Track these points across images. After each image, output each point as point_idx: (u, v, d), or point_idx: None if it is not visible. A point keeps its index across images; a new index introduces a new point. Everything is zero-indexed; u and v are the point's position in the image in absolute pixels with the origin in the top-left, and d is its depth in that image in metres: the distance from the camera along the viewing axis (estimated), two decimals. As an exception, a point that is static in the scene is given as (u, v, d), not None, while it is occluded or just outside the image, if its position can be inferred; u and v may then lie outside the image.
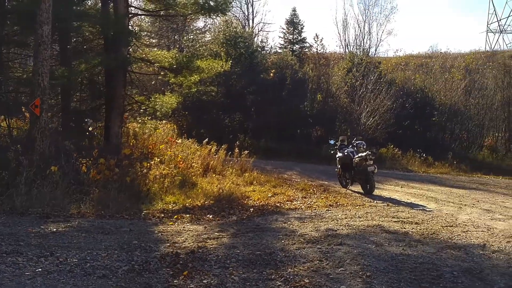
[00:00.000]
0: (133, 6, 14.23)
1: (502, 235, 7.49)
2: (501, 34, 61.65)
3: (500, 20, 61.92)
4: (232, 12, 37.85)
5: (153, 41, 29.02)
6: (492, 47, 57.39)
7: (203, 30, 31.38)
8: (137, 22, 23.62)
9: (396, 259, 5.82)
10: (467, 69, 32.73)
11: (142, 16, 19.66)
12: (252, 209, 8.92)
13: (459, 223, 8.38)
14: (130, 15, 12.83)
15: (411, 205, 10.29)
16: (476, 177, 19.07)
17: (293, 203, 9.76)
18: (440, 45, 70.47)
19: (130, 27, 13.27)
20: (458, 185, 15.43)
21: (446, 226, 8.09)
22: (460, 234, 7.46)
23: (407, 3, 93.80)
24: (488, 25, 63.45)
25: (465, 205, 10.73)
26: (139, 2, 17.11)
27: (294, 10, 34.13)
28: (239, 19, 38.13)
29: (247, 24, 39.71)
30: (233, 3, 34.12)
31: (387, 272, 5.31)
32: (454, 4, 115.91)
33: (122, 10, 11.80)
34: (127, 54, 12.08)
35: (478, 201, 11.37)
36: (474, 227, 8.09)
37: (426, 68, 33.20)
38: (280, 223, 7.75)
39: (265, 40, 33.76)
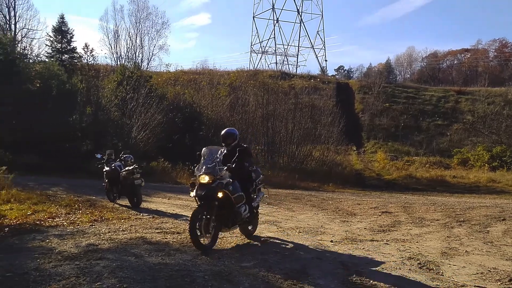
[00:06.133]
0: None
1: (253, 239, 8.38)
2: (263, 54, 67.75)
3: (261, 42, 68.04)
4: (-10, 15, 34.49)
5: None
6: (255, 66, 62.49)
7: (-48, 32, 27.87)
8: None
9: (154, 269, 6.07)
10: (232, 86, 35.03)
11: None
12: (7, 228, 8.34)
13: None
14: None
15: (176, 216, 10.77)
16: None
17: (54, 220, 9.40)
18: (209, 62, 74.35)
19: None
20: (221, 194, 16.48)
21: (205, 233, 8.76)
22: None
23: (179, 19, 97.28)
24: (252, 46, 69.19)
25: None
26: None
27: (62, 17, 32.62)
28: (-1, 23, 34.76)
29: (8, 28, 36.27)
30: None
31: (144, 282, 5.50)
32: (223, 23, 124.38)
33: None
34: None
35: None
36: (229, 233, 8.69)
37: (195, 84, 34.67)
38: (37, 242, 7.43)
39: (29, 48, 31.26)
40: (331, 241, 8.34)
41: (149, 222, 9.84)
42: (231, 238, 8.42)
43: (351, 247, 7.88)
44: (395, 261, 6.92)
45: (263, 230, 9.25)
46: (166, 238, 8.11)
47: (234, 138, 8.28)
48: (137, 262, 6.38)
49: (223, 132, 8.39)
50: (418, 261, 6.94)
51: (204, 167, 7.41)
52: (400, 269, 6.50)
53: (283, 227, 9.80)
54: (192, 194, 7.34)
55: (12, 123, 21.55)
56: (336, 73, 77.70)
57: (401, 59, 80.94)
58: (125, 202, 12.43)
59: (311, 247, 7.84)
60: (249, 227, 8.40)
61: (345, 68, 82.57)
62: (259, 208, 11.61)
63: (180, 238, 8.18)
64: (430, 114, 41.15)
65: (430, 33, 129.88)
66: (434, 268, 6.59)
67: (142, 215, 10.73)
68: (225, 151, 8.12)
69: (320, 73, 61.71)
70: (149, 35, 48.26)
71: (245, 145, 8.28)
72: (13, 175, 12.89)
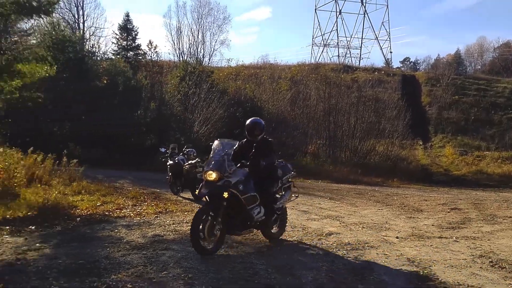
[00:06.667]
0: None
1: (315, 233, 8.31)
2: (325, 47, 66.62)
3: (323, 34, 66.88)
4: (60, 14, 35.94)
5: (-30, 42, 26.43)
6: (317, 59, 61.44)
7: (28, 32, 29.38)
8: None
9: (217, 260, 6.20)
10: (293, 80, 34.81)
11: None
12: (79, 218, 8.71)
13: (278, 224, 9.12)
14: None
15: (237, 210, 10.85)
16: (298, 181, 20.42)
17: (122, 211, 9.74)
18: (270, 57, 74.09)
19: None
20: (282, 189, 16.44)
21: (267, 227, 8.77)
22: (278, 234, 8.15)
23: (239, 13, 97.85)
24: (313, 39, 68.10)
25: (285, 207, 11.59)
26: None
27: (127, 15, 33.64)
28: (68, 22, 36.25)
29: (77, 27, 37.85)
30: (60, 4, 32.51)
31: (208, 273, 5.62)
32: (284, 17, 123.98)
33: None
34: None
35: (297, 204, 12.12)
36: (291, 227, 8.79)
37: (256, 78, 34.73)
38: (107, 232, 7.72)
39: (96, 46, 32.59)
40: (397, 237, 8.16)
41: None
42: (292, 232, 8.41)
43: (418, 244, 7.68)
44: (465, 259, 6.69)
45: (325, 225, 9.18)
46: (228, 231, 8.21)
47: (261, 129, 7.20)
48: (199, 253, 6.50)
49: (248, 122, 7.26)
50: (490, 259, 6.69)
51: (212, 162, 6.54)
52: (470, 267, 6.29)
53: (346, 222, 9.68)
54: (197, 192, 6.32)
55: (82, 118, 22.48)
56: (401, 65, 74.59)
57: (471, 50, 76.34)
58: (188, 195, 12.66)
59: (375, 243, 7.68)
60: (273, 230, 7.52)
61: (411, 60, 79.11)
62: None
63: (242, 232, 8.29)
64: (503, 107, 38.59)
65: (503, 22, 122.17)
66: (507, 267, 6.33)
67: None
68: (238, 145, 7.20)
69: (384, 65, 59.37)
70: (210, 31, 48.88)
71: (270, 139, 7.43)
72: (83, 168, 13.41)
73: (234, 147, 6.97)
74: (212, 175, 6.32)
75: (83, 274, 5.38)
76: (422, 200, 14.51)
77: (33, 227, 7.79)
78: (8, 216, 8.33)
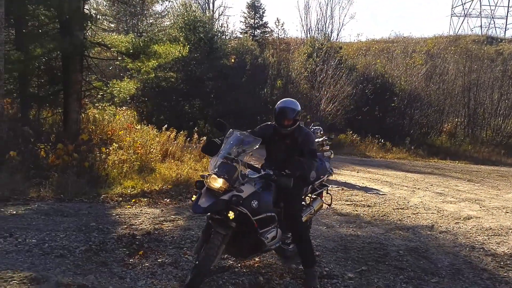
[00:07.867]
0: (89, -11, 13.93)
1: (452, 216, 7.86)
2: (465, 18, 61.58)
3: (464, 3, 61.67)
4: (191, -5, 37.37)
5: (112, 25, 28.61)
6: (456, 31, 57.07)
7: (162, 14, 31.17)
8: (94, 5, 23.22)
9: (345, 240, 6.08)
10: (429, 54, 32.84)
11: (100, 0, 19.33)
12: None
13: (411, 206, 8.74)
14: (85, -2, 12.53)
15: (365, 189, 10.58)
16: (432, 162, 19.51)
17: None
18: (402, 30, 70.26)
19: (86, 10, 12.93)
20: (414, 169, 15.78)
21: (397, 208, 8.44)
22: (410, 216, 7.81)
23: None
24: (453, 9, 62.83)
25: (418, 188, 11.07)
26: (96, -15, 16.76)
27: (255, -7, 34.03)
28: (199, 3, 37.62)
29: (207, 8, 39.12)
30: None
31: (336, 252, 5.58)
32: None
33: (76, -7, 11.49)
34: (83, 38, 11.78)
35: (431, 185, 11.74)
36: (424, 209, 8.45)
37: (387, 53, 33.22)
38: (234, 207, 7.89)
39: (225, 25, 33.56)
40: (546, 224, 7.41)
41: (338, 193, 9.86)
42: (426, 214, 8.02)
43: None
44: None
45: (463, 208, 8.64)
46: (356, 211, 8.07)
47: (292, 119, 4.82)
48: (329, 232, 6.44)
49: (276, 106, 4.92)
50: None
51: (218, 163, 4.38)
52: None
53: (487, 206, 9.02)
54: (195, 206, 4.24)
55: (211, 97, 23.25)
56: (554, 35, 67.09)
57: None
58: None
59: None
60: (290, 248, 5.38)
61: None
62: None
63: (371, 212, 8.10)
64: None
65: None
66: None
67: (331, 186, 10.62)
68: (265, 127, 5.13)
69: (533, 35, 53.83)
70: (340, 4, 48.22)
71: (307, 131, 5.08)
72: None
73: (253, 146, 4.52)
74: (217, 182, 4.24)
75: (214, 246, 5.54)
76: None
77: (168, 200, 8.22)
78: (145, 189, 8.85)
